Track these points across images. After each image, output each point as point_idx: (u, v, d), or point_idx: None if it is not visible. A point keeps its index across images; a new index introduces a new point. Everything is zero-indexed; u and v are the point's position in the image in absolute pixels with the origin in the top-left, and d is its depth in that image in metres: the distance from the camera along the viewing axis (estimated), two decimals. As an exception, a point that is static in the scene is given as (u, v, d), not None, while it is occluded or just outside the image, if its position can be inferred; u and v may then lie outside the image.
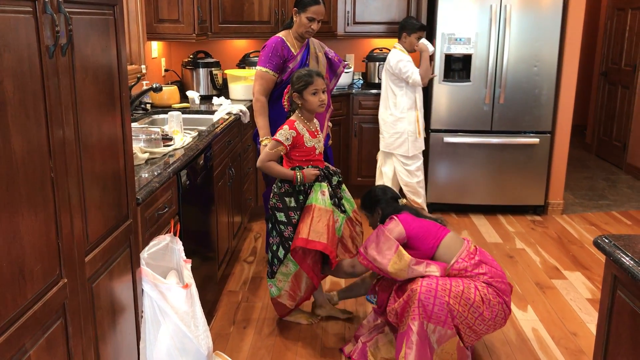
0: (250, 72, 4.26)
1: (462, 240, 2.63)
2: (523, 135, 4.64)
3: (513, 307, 3.21)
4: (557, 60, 4.49)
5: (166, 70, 4.66)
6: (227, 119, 3.51)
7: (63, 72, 1.48)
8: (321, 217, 2.69)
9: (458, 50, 4.51)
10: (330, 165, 2.96)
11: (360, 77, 5.39)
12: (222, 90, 4.57)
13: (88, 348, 1.67)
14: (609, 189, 5.63)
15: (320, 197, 2.73)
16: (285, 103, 2.85)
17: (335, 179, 2.88)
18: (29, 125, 1.33)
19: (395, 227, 2.58)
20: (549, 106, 4.58)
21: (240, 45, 5.17)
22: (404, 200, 2.85)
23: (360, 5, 4.94)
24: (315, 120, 2.87)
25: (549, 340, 2.94)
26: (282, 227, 2.79)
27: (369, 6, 4.94)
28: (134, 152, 2.19)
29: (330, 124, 3.56)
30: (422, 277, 2.47)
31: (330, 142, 3.56)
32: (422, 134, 4.32)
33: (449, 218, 4.72)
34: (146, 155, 2.48)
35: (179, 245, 2.28)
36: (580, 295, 3.43)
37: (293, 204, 2.77)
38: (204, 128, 3.23)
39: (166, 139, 2.79)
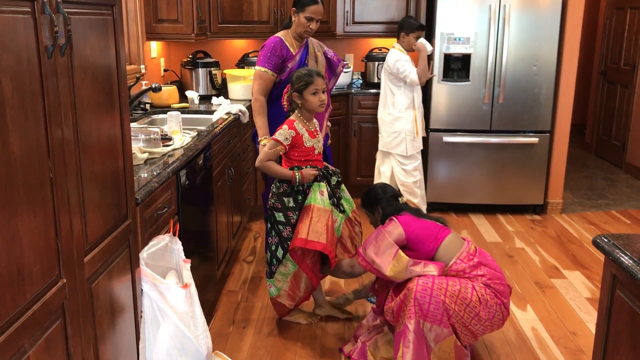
0: (249, 72, 4.26)
1: (463, 241, 2.62)
2: (522, 134, 4.64)
3: (512, 306, 3.21)
4: (557, 60, 4.50)
5: (165, 70, 4.66)
6: (227, 119, 3.51)
7: (62, 72, 1.48)
8: (320, 217, 2.68)
9: (457, 49, 4.51)
10: (329, 165, 2.96)
11: (360, 77, 5.39)
12: (221, 90, 4.57)
13: (87, 348, 1.67)
14: (608, 188, 5.64)
15: (319, 197, 2.72)
16: (284, 103, 2.85)
17: (334, 179, 2.87)
18: (28, 126, 1.33)
19: (394, 229, 2.58)
20: (548, 105, 4.58)
21: (240, 45, 5.17)
22: (404, 199, 2.85)
23: (360, 5, 4.94)
24: (314, 120, 2.87)
25: (549, 340, 2.94)
26: (280, 227, 2.79)
27: (368, 6, 4.94)
28: (133, 152, 2.19)
29: (329, 123, 3.56)
30: (419, 276, 2.47)
31: (329, 141, 3.56)
32: (421, 133, 4.32)
33: (449, 217, 4.72)
34: (145, 155, 2.48)
35: (178, 245, 2.28)
36: (579, 294, 3.43)
37: (292, 204, 2.77)
38: (203, 128, 3.23)
39: (165, 139, 2.79)
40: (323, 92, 2.75)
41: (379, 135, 4.42)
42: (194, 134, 2.99)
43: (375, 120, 4.53)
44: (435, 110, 4.65)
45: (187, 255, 2.31)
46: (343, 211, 2.87)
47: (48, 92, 1.41)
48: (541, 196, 4.75)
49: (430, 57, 4.37)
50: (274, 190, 2.82)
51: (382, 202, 2.78)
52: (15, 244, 1.29)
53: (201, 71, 4.48)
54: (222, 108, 3.71)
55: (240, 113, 3.75)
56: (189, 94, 4.08)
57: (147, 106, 3.83)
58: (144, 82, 3.94)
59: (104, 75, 1.76)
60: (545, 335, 2.99)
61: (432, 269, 2.48)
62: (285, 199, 2.77)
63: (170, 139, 2.80)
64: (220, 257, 3.32)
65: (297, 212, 2.76)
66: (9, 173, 1.27)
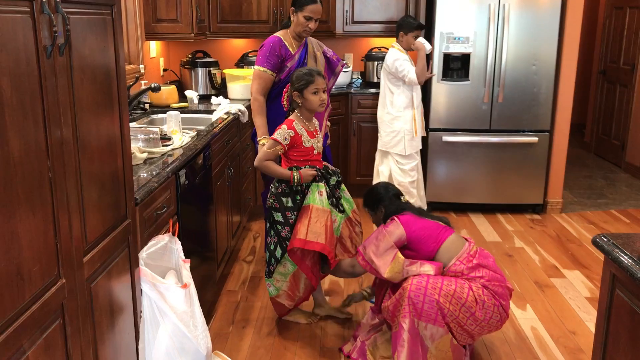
0: (248, 72, 4.26)
1: (465, 241, 2.60)
2: (522, 134, 4.64)
3: (512, 305, 3.21)
4: (556, 59, 4.50)
5: (165, 70, 4.66)
6: (226, 119, 3.51)
7: (61, 72, 1.48)
8: (319, 218, 2.68)
9: (456, 49, 4.51)
10: (329, 165, 2.96)
11: (359, 77, 5.38)
12: (221, 89, 4.56)
13: (86, 348, 1.67)
14: (607, 187, 5.64)
15: (318, 197, 2.72)
16: (284, 102, 2.85)
17: (334, 179, 2.87)
18: (27, 126, 1.33)
19: (395, 229, 2.57)
20: (548, 105, 4.58)
21: (239, 45, 5.17)
22: (415, 196, 2.84)
23: (359, 5, 4.94)
24: (314, 119, 2.87)
25: (548, 339, 2.94)
26: (279, 226, 2.79)
27: (368, 5, 4.94)
28: (132, 152, 2.19)
29: (328, 123, 3.56)
30: (415, 275, 2.47)
31: (328, 141, 3.56)
32: (421, 133, 4.32)
33: (448, 217, 4.71)
34: (145, 155, 2.48)
35: (177, 245, 2.28)
36: (579, 293, 3.43)
37: (290, 204, 2.76)
38: (202, 128, 3.23)
39: (165, 138, 2.79)
40: (323, 91, 2.75)
41: (378, 135, 4.42)
42: (193, 133, 2.99)
43: (374, 120, 4.53)
44: (435, 110, 4.65)
45: (186, 255, 2.30)
46: (342, 211, 2.87)
47: (47, 92, 1.41)
48: (541, 195, 4.75)
49: (429, 57, 4.37)
50: (272, 190, 2.82)
51: (385, 201, 2.78)
52: (14, 244, 1.29)
53: (200, 71, 4.48)
54: (222, 108, 3.70)
55: (239, 113, 3.74)
56: (188, 93, 4.08)
57: (147, 106, 3.83)
58: (143, 82, 3.94)
59: (103, 75, 1.76)
60: (545, 334, 2.99)
61: (428, 268, 2.47)
62: (284, 199, 2.77)
63: (169, 139, 2.80)
64: (219, 257, 3.32)
65: (295, 212, 2.76)
66: (8, 173, 1.27)
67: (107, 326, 1.82)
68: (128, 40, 3.84)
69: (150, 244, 2.14)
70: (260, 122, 3.21)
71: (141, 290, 2.05)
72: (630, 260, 1.58)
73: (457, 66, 4.59)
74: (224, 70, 4.50)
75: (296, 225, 2.72)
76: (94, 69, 1.69)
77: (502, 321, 2.50)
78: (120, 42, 1.87)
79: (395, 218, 2.62)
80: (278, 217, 2.79)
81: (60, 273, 1.51)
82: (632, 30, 6.12)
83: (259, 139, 3.18)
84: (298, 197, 2.77)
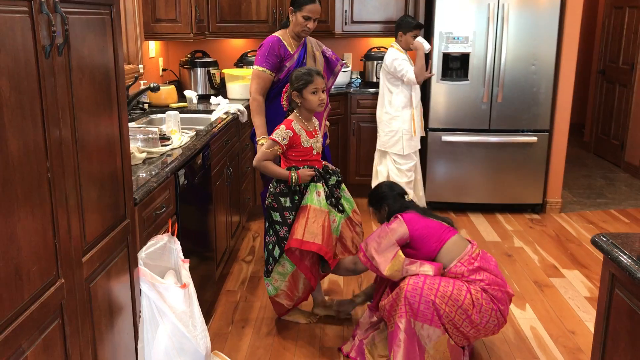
0: (248, 72, 4.26)
1: (467, 243, 2.59)
2: (521, 133, 4.64)
3: (512, 305, 3.21)
4: (555, 59, 4.50)
5: (164, 70, 4.66)
6: (225, 119, 3.51)
7: (59, 72, 1.48)
8: (316, 218, 2.68)
9: (456, 49, 4.51)
10: (329, 165, 2.96)
11: (358, 76, 5.38)
12: (220, 89, 4.56)
13: (85, 348, 1.67)
14: (607, 187, 5.64)
15: (316, 197, 2.72)
16: (284, 102, 2.85)
17: (333, 179, 2.87)
18: (26, 126, 1.33)
19: (398, 226, 2.56)
20: (547, 105, 4.58)
21: (238, 45, 5.16)
22: (411, 197, 2.84)
23: (358, 4, 4.94)
24: (314, 119, 2.87)
25: (547, 339, 2.94)
26: (277, 226, 2.79)
27: (367, 5, 4.94)
28: (131, 151, 2.19)
29: (327, 123, 3.55)
30: (413, 275, 2.46)
31: (327, 141, 3.55)
32: (420, 133, 4.32)
33: (447, 217, 4.72)
34: (144, 155, 2.48)
35: (176, 245, 2.28)
36: (578, 293, 3.43)
37: (288, 204, 2.77)
38: (201, 127, 3.23)
39: (164, 138, 2.79)
40: (323, 91, 2.75)
41: (377, 135, 4.42)
42: (192, 133, 2.98)
43: (374, 120, 4.53)
44: (434, 110, 4.65)
45: (185, 255, 2.30)
46: (342, 211, 2.87)
47: (46, 91, 1.41)
48: (540, 195, 4.75)
49: (428, 56, 4.37)
50: (271, 190, 2.82)
51: (388, 200, 2.77)
52: (13, 244, 1.29)
53: (200, 71, 4.48)
54: (221, 107, 3.70)
55: (238, 112, 3.74)
56: (188, 93, 4.08)
57: (146, 106, 3.82)
58: (142, 82, 3.93)
59: (102, 75, 1.76)
60: (544, 334, 2.99)
61: (427, 268, 2.47)
62: (282, 199, 2.77)
63: (168, 139, 2.80)
64: (219, 256, 3.32)
65: (293, 212, 2.76)
66: (7, 173, 1.26)
67: (106, 326, 1.82)
68: (127, 40, 3.84)
69: (149, 243, 2.14)
70: (259, 122, 3.21)
71: (140, 290, 2.05)
72: (629, 260, 1.58)
73: (456, 66, 4.59)
74: (223, 70, 4.50)
75: (293, 225, 2.73)
76: (93, 68, 1.69)
77: (499, 326, 2.49)
78: (119, 42, 1.87)
79: (399, 216, 2.61)
80: (276, 216, 2.79)
81: (59, 273, 1.51)
82: (632, 29, 6.12)
83: (257, 139, 3.17)
84: (296, 197, 2.77)
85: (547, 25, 4.43)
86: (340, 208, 2.86)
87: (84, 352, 1.66)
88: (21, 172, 1.32)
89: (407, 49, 4.24)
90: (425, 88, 4.66)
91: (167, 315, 2.05)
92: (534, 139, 4.62)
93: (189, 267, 2.28)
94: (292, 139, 2.72)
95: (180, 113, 3.11)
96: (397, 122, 4.25)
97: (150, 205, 2.19)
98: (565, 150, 4.73)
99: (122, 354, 1.96)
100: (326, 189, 2.79)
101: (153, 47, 4.39)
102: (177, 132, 2.88)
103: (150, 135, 2.63)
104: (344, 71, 4.86)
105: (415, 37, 4.20)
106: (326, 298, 3.18)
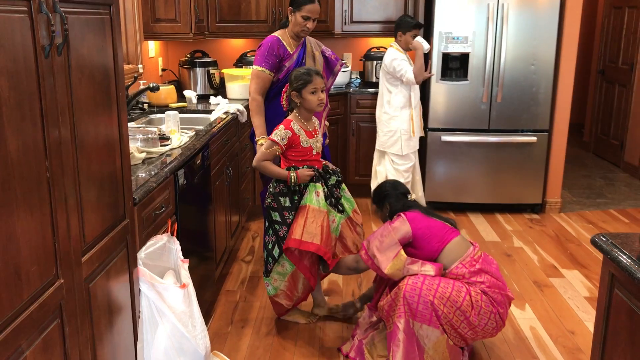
0: (247, 72, 4.26)
1: (470, 245, 2.58)
2: (520, 133, 4.64)
3: (511, 305, 3.20)
4: (555, 59, 4.50)
5: (163, 70, 4.66)
6: (225, 119, 3.51)
7: (59, 71, 1.48)
8: (315, 218, 2.68)
9: (455, 49, 4.51)
10: (330, 164, 2.96)
11: (358, 76, 5.38)
12: (220, 89, 4.56)
13: (85, 349, 1.67)
14: (606, 187, 5.64)
15: (315, 197, 2.72)
16: (283, 102, 2.85)
17: (333, 179, 2.87)
18: (25, 126, 1.33)
19: (401, 225, 2.56)
20: (547, 105, 4.58)
21: (238, 45, 5.16)
22: (414, 196, 2.84)
23: (358, 4, 4.94)
24: (314, 119, 2.87)
25: (547, 339, 2.94)
26: (277, 226, 2.80)
27: (366, 5, 4.94)
28: (130, 151, 2.19)
29: (327, 123, 3.56)
30: (411, 275, 2.46)
31: (327, 141, 3.56)
32: (419, 133, 4.32)
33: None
34: (143, 155, 2.48)
35: (176, 245, 2.27)
36: (578, 293, 3.43)
37: (288, 203, 2.77)
38: (201, 127, 3.23)
39: (163, 138, 2.79)
40: (322, 91, 2.75)
41: (377, 135, 4.42)
42: (191, 133, 2.98)
43: (373, 120, 4.53)
44: (434, 110, 4.65)
45: (185, 255, 2.30)
46: (342, 211, 2.86)
47: (45, 91, 1.41)
48: (539, 195, 4.75)
49: (428, 56, 4.37)
50: (270, 190, 2.83)
51: (391, 198, 2.77)
52: (12, 244, 1.29)
53: (199, 71, 4.48)
54: (220, 107, 3.70)
55: (238, 112, 3.74)
56: (187, 93, 4.08)
57: (145, 106, 3.82)
58: (141, 82, 3.93)
59: (101, 74, 1.75)
60: (544, 334, 2.99)
61: (428, 268, 2.46)
62: (282, 199, 2.77)
63: (168, 139, 2.80)
64: (218, 256, 3.31)
65: (293, 212, 2.76)
66: (6, 173, 1.26)
67: (106, 326, 1.82)
68: (126, 40, 3.84)
69: (148, 243, 2.14)
70: (258, 122, 3.21)
71: (139, 290, 2.05)
72: (629, 260, 1.58)
73: (456, 66, 4.59)
74: (223, 70, 4.50)
75: (292, 225, 2.73)
76: (92, 68, 1.69)
77: (497, 329, 2.48)
78: (118, 42, 1.86)
79: (402, 214, 2.60)
80: (276, 216, 2.79)
81: (59, 273, 1.51)
82: (631, 29, 6.12)
83: (257, 139, 3.18)
84: (296, 197, 2.77)
85: (547, 25, 4.43)
86: (340, 208, 2.86)
87: (83, 352, 1.66)
88: (20, 172, 1.32)
89: (407, 48, 4.24)
90: (424, 88, 4.66)
91: (167, 315, 2.05)
92: (533, 139, 4.62)
93: (189, 267, 2.28)
94: (291, 139, 2.72)
95: (179, 113, 3.11)
96: (395, 122, 4.25)
97: (150, 205, 2.19)
98: (564, 150, 4.73)
99: (122, 354, 1.96)
100: (325, 189, 2.79)
101: (152, 47, 4.39)
102: (176, 132, 2.88)
103: (149, 135, 2.62)
104: (343, 71, 4.86)
105: (414, 36, 4.20)
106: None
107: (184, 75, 4.52)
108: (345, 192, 2.98)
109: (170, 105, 3.97)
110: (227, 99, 4.12)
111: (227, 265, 3.74)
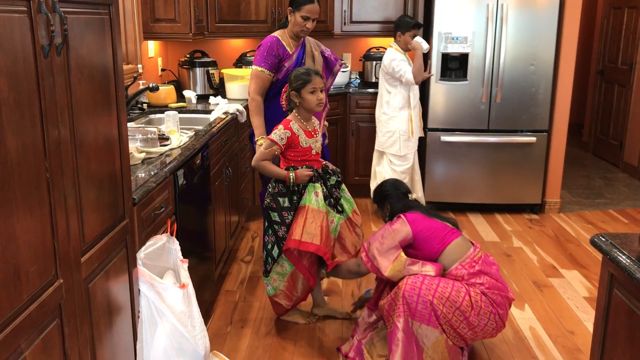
0: (247, 72, 4.25)
1: (471, 245, 2.57)
2: (520, 134, 4.64)
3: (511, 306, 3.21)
4: (554, 59, 4.50)
5: (163, 70, 4.66)
6: (224, 119, 3.51)
7: (58, 71, 1.48)
8: (314, 219, 2.68)
9: (455, 49, 4.51)
10: (329, 164, 2.95)
11: (357, 77, 5.38)
12: (219, 89, 4.56)
13: (84, 349, 1.67)
14: (605, 187, 5.64)
15: (314, 198, 2.72)
16: (283, 102, 2.85)
17: (333, 179, 2.87)
18: (24, 125, 1.33)
19: (402, 227, 2.55)
20: (546, 105, 4.58)
21: (237, 45, 5.16)
22: (415, 196, 2.83)
23: (357, 4, 4.94)
24: (313, 119, 2.87)
25: (546, 339, 2.94)
26: (276, 226, 2.80)
27: (366, 5, 4.94)
28: (130, 152, 2.19)
29: (326, 123, 3.56)
30: (411, 275, 2.46)
31: (326, 141, 3.56)
32: (418, 133, 4.32)
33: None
34: (142, 155, 2.48)
35: (175, 245, 2.27)
36: (577, 293, 3.43)
37: (287, 204, 2.77)
38: (200, 127, 3.23)
39: (163, 138, 2.78)
40: (321, 91, 2.75)
41: (376, 135, 4.42)
42: (191, 133, 2.98)
43: (373, 120, 4.53)
44: (433, 110, 4.65)
45: (184, 255, 2.30)
46: (342, 211, 2.86)
47: (44, 91, 1.41)
48: (539, 195, 4.76)
49: (427, 57, 4.37)
50: (269, 190, 2.83)
51: (392, 198, 2.76)
52: (11, 245, 1.29)
53: (199, 71, 4.48)
54: (220, 107, 3.70)
55: (237, 112, 3.74)
56: (187, 93, 4.08)
57: (145, 106, 3.82)
58: (141, 82, 3.93)
59: (100, 74, 1.75)
60: (543, 334, 2.99)
61: (429, 269, 2.46)
62: (281, 199, 2.77)
63: (167, 139, 2.80)
64: (218, 257, 3.31)
65: (292, 212, 2.76)
66: (5, 173, 1.26)
67: (105, 326, 1.82)
68: (126, 40, 3.83)
69: (148, 244, 2.14)
70: (257, 122, 3.21)
71: (139, 290, 2.05)
72: (628, 260, 1.58)
73: (455, 66, 4.59)
74: (222, 70, 4.50)
75: (292, 225, 2.73)
76: (92, 68, 1.69)
77: (497, 329, 2.48)
78: (118, 42, 1.86)
79: (402, 216, 2.59)
80: (275, 217, 2.79)
81: (58, 273, 1.51)
82: (630, 30, 6.12)
83: (256, 139, 3.18)
84: (295, 197, 2.76)
85: (546, 25, 4.44)
86: (340, 209, 2.86)
87: (83, 352, 1.65)
88: (20, 172, 1.32)
89: (406, 49, 4.24)
90: (424, 88, 4.67)
91: (166, 316, 2.05)
92: (532, 139, 4.62)
93: (188, 267, 2.28)
94: (290, 139, 2.72)
95: (179, 113, 3.11)
96: (394, 123, 4.25)
97: (149, 205, 2.19)
98: (564, 150, 4.73)
99: (121, 354, 1.96)
100: (325, 190, 2.79)
101: (152, 47, 4.39)
102: (176, 132, 2.88)
103: (149, 135, 2.62)
104: (343, 71, 4.86)
105: (413, 37, 4.20)
106: (325, 298, 3.17)
107: (184, 75, 4.52)
108: (345, 192, 2.98)
109: (169, 105, 3.97)
110: (226, 99, 4.12)
111: (226, 265, 3.74)
